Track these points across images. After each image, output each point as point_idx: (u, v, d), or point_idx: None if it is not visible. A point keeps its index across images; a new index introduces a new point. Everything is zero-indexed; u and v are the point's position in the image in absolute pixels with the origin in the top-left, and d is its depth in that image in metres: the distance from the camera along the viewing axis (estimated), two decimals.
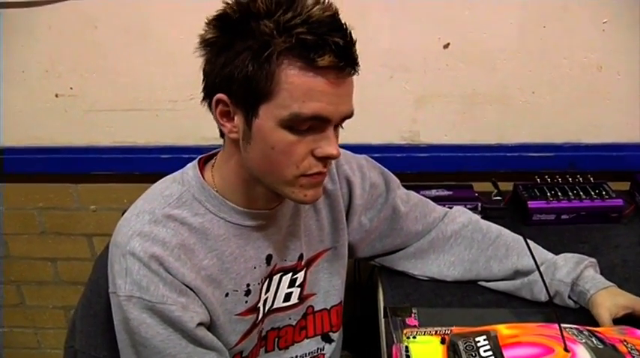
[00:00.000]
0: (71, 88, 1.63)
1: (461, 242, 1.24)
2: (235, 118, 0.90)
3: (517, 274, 1.19)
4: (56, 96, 1.64)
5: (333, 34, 0.83)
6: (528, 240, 1.02)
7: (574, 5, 1.47)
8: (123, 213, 1.16)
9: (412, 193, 1.26)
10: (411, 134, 1.63)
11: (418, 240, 1.24)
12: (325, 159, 0.91)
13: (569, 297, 1.14)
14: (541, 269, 1.11)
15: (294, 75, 0.84)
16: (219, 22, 0.88)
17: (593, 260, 1.18)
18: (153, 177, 1.63)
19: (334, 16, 0.85)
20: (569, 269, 1.14)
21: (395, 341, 0.97)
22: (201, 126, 1.62)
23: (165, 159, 1.67)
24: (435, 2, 1.48)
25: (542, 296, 1.14)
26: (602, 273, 1.16)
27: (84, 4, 1.53)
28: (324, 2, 0.85)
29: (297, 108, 0.85)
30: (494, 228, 1.25)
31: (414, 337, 0.97)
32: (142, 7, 1.52)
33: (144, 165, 1.68)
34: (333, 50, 0.82)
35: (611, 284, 1.12)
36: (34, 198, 1.81)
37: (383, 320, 1.14)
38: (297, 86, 0.84)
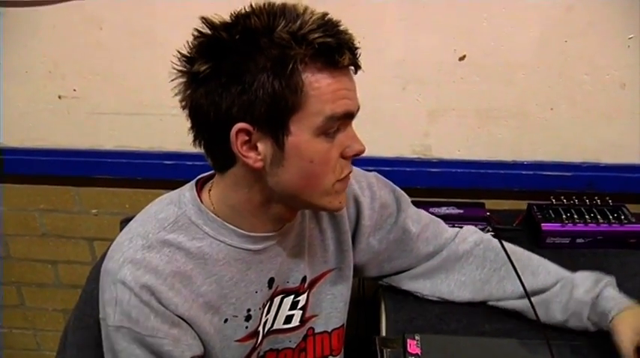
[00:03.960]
0: (74, 90, 1.61)
1: (472, 261, 1.20)
2: (259, 145, 0.85)
3: (532, 294, 1.12)
4: (59, 97, 1.63)
5: (343, 33, 0.84)
6: (544, 259, 1.10)
7: (600, 20, 1.42)
8: (121, 223, 1.14)
9: (423, 212, 1.22)
10: (423, 148, 1.60)
11: (428, 261, 1.20)
12: (352, 158, 0.92)
13: (588, 318, 1.09)
14: (557, 287, 1.12)
15: (318, 79, 0.83)
16: (209, 51, 0.83)
17: (612, 278, 1.13)
18: (155, 183, 1.64)
19: (327, 16, 0.85)
20: (587, 288, 1.10)
21: None
22: None
23: (169, 165, 1.65)
24: (452, 12, 1.44)
25: (558, 315, 1.11)
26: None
27: (89, 4, 1.51)
28: (305, 7, 0.84)
29: (329, 110, 0.85)
30: (509, 246, 1.19)
31: None
32: (147, 10, 1.50)
33: (147, 170, 1.67)
34: (350, 48, 0.84)
35: (635, 304, 1.06)
36: (35, 199, 1.80)
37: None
38: (324, 89, 0.84)
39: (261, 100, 0.81)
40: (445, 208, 1.46)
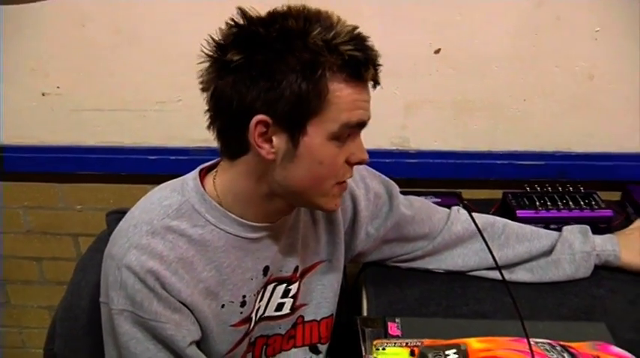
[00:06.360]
0: (58, 87, 1.61)
1: (471, 235, 1.26)
2: (274, 139, 0.89)
3: (533, 258, 1.26)
4: (43, 94, 1.62)
5: (371, 49, 0.89)
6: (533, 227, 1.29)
7: (567, 13, 1.46)
8: (107, 215, 1.16)
9: (412, 197, 1.28)
10: (401, 140, 1.63)
11: (427, 244, 1.26)
12: (356, 165, 0.97)
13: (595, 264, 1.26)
14: (558, 246, 1.25)
15: (342, 89, 0.87)
16: (244, 43, 0.86)
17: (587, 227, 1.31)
18: (140, 178, 1.66)
19: (357, 29, 0.89)
20: (581, 240, 1.26)
21: (364, 352, 0.96)
22: (189, 128, 1.61)
23: (153, 160, 1.65)
24: (426, 7, 1.47)
25: (568, 269, 1.25)
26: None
27: (72, 1, 1.51)
28: (338, 17, 0.88)
29: (345, 118, 0.88)
30: (499, 219, 1.31)
31: (384, 349, 0.96)
32: (131, 7, 1.51)
33: (131, 165, 1.67)
34: (374, 64, 0.89)
35: (617, 234, 1.30)
36: (20, 196, 1.79)
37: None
38: (344, 98, 0.87)
39: (286, 99, 0.85)
40: (423, 197, 1.47)
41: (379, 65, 0.90)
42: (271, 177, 0.93)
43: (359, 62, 0.86)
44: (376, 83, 0.92)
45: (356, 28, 0.89)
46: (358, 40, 0.87)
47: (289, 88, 0.84)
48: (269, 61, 0.85)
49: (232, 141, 0.92)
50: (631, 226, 1.37)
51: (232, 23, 0.87)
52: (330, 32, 0.85)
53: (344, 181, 0.97)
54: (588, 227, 1.30)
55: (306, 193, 0.94)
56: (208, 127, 0.94)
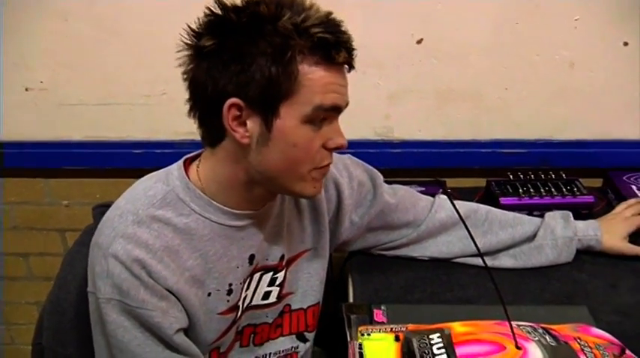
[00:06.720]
0: (41, 82, 1.61)
1: (454, 223, 1.27)
2: (248, 123, 0.90)
3: (516, 244, 1.28)
4: (26, 89, 1.62)
5: (343, 32, 0.89)
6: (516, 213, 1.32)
7: (546, 2, 1.47)
8: (93, 208, 1.16)
9: (396, 185, 1.29)
10: (385, 130, 1.64)
11: (412, 231, 1.27)
12: (334, 150, 0.97)
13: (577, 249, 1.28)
14: (541, 231, 1.27)
15: (313, 71, 0.88)
16: (217, 29, 0.88)
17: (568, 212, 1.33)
18: (125, 172, 1.66)
19: (331, 15, 0.89)
20: (562, 225, 1.28)
21: (349, 338, 0.97)
22: (174, 121, 1.61)
23: (138, 153, 1.66)
24: None
25: (551, 255, 1.27)
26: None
27: None
28: (313, 3, 0.89)
29: (319, 100, 0.89)
30: (482, 206, 1.32)
31: (369, 334, 0.97)
32: (113, 1, 1.50)
33: (116, 159, 1.67)
34: (347, 47, 0.89)
35: (597, 221, 1.32)
36: (5, 192, 1.79)
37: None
38: (317, 81, 0.88)
39: (257, 82, 0.86)
40: (408, 187, 1.49)
41: (353, 49, 0.90)
42: (248, 163, 0.94)
43: (329, 44, 0.87)
44: (351, 67, 0.92)
45: (330, 13, 0.89)
46: (330, 24, 0.88)
47: (259, 71, 0.86)
48: (240, 45, 0.86)
49: (210, 127, 0.93)
50: (613, 211, 1.39)
51: (208, 12, 0.89)
52: (300, 16, 0.86)
53: (323, 166, 0.97)
54: (570, 213, 1.32)
55: (282, 178, 0.95)
56: (189, 115, 0.95)
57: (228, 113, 0.89)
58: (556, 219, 1.29)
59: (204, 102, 0.92)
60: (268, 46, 0.85)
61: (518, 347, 0.87)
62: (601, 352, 0.90)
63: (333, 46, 0.87)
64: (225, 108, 0.88)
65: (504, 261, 1.28)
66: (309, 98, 0.88)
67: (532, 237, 1.28)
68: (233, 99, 0.88)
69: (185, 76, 0.93)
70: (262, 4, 0.86)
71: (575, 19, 1.49)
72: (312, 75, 0.88)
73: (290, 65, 0.86)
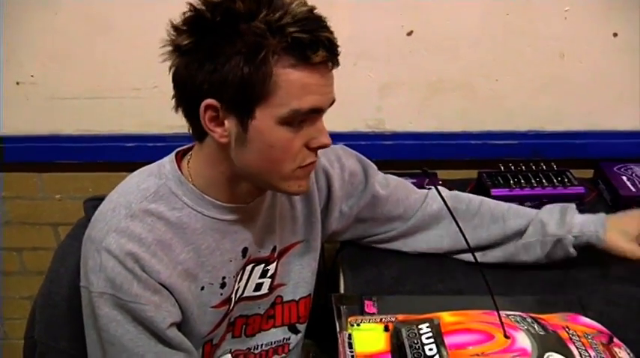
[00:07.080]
0: (32, 76, 1.60)
1: (445, 215, 1.25)
2: (226, 123, 0.89)
3: (507, 239, 1.23)
4: (17, 84, 1.61)
5: (322, 30, 0.85)
6: (512, 204, 1.26)
7: None
8: (85, 202, 1.16)
9: (390, 176, 1.28)
10: (376, 122, 1.64)
11: (402, 224, 1.26)
12: (318, 150, 0.95)
13: (573, 246, 1.19)
14: (530, 229, 1.21)
15: (289, 72, 0.85)
16: (194, 27, 0.87)
17: (572, 204, 1.25)
18: (118, 166, 1.66)
19: (313, 11, 0.86)
20: (557, 221, 1.20)
21: (339, 329, 0.98)
22: (165, 115, 1.55)
23: (130, 147, 1.65)
24: None
25: (539, 253, 1.20)
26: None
27: None
28: None
29: (296, 104, 0.86)
30: (476, 197, 1.30)
31: (358, 325, 0.97)
32: None
33: (108, 153, 1.67)
34: (325, 46, 0.85)
35: (603, 216, 1.20)
36: None
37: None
38: (293, 83, 0.85)
39: (230, 82, 0.84)
40: (402, 179, 1.50)
41: (334, 47, 0.87)
42: (231, 160, 0.94)
43: (304, 44, 0.84)
44: (334, 64, 0.89)
45: (312, 9, 0.86)
46: (307, 22, 0.84)
47: (232, 72, 0.84)
48: (213, 44, 0.85)
49: (194, 124, 0.93)
50: (626, 212, 1.30)
51: (190, 8, 0.87)
52: (276, 14, 0.83)
53: (307, 165, 0.95)
54: (573, 205, 1.25)
55: (264, 176, 0.95)
56: (175, 110, 0.95)
57: (204, 114, 0.88)
58: (552, 214, 1.22)
59: (185, 99, 0.91)
60: (243, 46, 0.83)
61: (506, 337, 0.87)
62: (589, 341, 0.91)
63: (309, 46, 0.84)
64: (201, 110, 0.88)
65: (494, 256, 1.25)
66: (285, 100, 0.86)
67: (523, 232, 1.23)
68: (208, 101, 0.87)
69: (170, 72, 0.92)
70: (238, 1, 0.84)
71: (565, 10, 1.49)
72: (288, 76, 0.85)
73: (263, 66, 0.83)
